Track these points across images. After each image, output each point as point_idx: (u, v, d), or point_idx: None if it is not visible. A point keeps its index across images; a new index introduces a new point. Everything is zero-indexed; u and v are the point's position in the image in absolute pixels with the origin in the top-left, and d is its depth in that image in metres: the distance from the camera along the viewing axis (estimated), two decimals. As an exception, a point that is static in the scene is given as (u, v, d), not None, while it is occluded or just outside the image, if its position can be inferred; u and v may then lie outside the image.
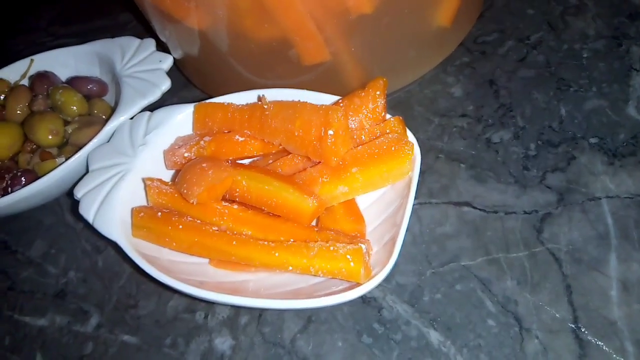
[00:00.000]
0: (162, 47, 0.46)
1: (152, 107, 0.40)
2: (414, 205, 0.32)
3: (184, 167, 0.34)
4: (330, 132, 0.31)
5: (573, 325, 0.29)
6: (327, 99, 0.36)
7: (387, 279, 0.32)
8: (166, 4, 0.38)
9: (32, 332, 0.37)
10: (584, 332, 0.29)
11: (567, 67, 0.41)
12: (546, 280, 0.31)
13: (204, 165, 0.33)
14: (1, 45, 0.66)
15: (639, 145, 0.35)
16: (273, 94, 0.36)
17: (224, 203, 0.33)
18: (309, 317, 0.33)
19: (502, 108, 0.40)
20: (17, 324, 0.38)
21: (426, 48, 0.42)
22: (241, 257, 0.30)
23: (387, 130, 0.33)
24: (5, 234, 0.44)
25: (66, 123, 0.43)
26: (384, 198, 0.34)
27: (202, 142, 0.36)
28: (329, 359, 0.31)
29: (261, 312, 0.34)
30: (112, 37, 0.48)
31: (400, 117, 0.34)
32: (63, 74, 0.48)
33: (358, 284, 0.28)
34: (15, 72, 0.48)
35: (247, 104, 0.36)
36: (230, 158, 0.36)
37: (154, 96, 0.42)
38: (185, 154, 0.36)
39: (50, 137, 0.42)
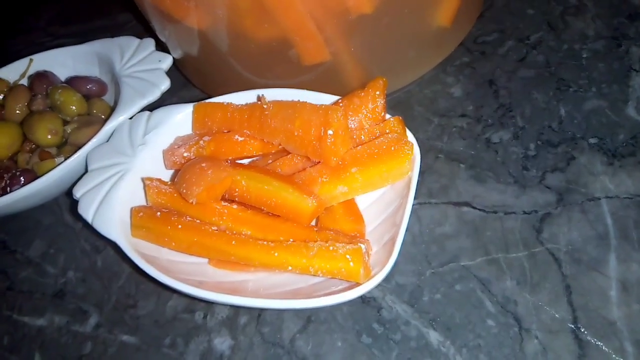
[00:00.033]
0: (161, 46, 0.46)
1: (151, 107, 0.40)
2: (413, 205, 0.32)
3: (183, 167, 0.34)
4: (330, 132, 0.31)
5: (572, 326, 0.29)
6: (327, 98, 0.36)
7: (387, 279, 0.32)
8: (166, 4, 0.38)
9: (31, 332, 0.37)
10: (584, 332, 0.29)
11: (566, 67, 0.41)
12: (546, 280, 0.31)
13: (204, 165, 0.33)
14: (0, 44, 0.66)
15: (638, 145, 0.35)
16: (273, 94, 0.36)
17: (223, 203, 0.33)
18: (308, 317, 0.33)
19: (502, 108, 0.40)
20: (15, 323, 0.38)
21: (426, 48, 0.42)
22: (240, 257, 0.30)
23: (387, 130, 0.33)
24: (4, 233, 0.44)
25: (65, 123, 0.43)
26: (383, 198, 0.34)
27: (201, 142, 0.36)
28: (328, 359, 0.31)
29: (260, 312, 0.34)
30: (112, 36, 0.48)
31: (400, 117, 0.34)
32: (62, 74, 0.48)
33: (357, 284, 0.28)
34: (15, 71, 0.48)
35: (246, 104, 0.36)
36: (230, 158, 0.36)
37: (154, 96, 0.42)
38: (185, 154, 0.36)
39: (49, 136, 0.42)
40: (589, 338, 0.28)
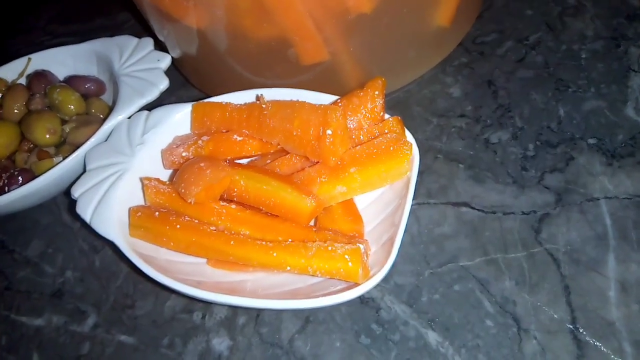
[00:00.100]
0: (160, 46, 0.46)
1: (150, 107, 0.40)
2: (412, 205, 0.32)
3: (182, 167, 0.34)
4: (329, 131, 0.30)
5: (571, 326, 0.29)
6: (326, 98, 0.36)
7: (385, 279, 0.32)
8: (164, 3, 0.38)
9: (29, 332, 0.37)
10: (582, 332, 0.29)
11: (565, 67, 0.41)
12: (544, 280, 0.31)
13: (202, 164, 0.33)
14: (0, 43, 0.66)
15: (637, 146, 0.35)
16: (271, 94, 0.36)
17: (221, 203, 0.33)
18: (307, 317, 0.33)
19: (501, 108, 0.40)
20: (13, 323, 0.38)
21: (425, 48, 0.42)
22: (239, 257, 0.30)
23: (386, 130, 0.33)
24: (2, 233, 0.44)
25: (64, 122, 0.43)
26: (382, 198, 0.34)
27: (200, 142, 0.36)
28: (326, 359, 0.31)
29: (259, 312, 0.34)
30: (110, 36, 0.48)
31: (399, 117, 0.34)
32: (61, 73, 0.48)
33: (356, 284, 0.28)
34: (13, 70, 0.48)
35: (245, 104, 0.36)
36: (228, 158, 0.36)
37: (152, 95, 0.41)
38: (183, 154, 0.36)
39: (47, 136, 0.42)
40: (587, 338, 0.28)
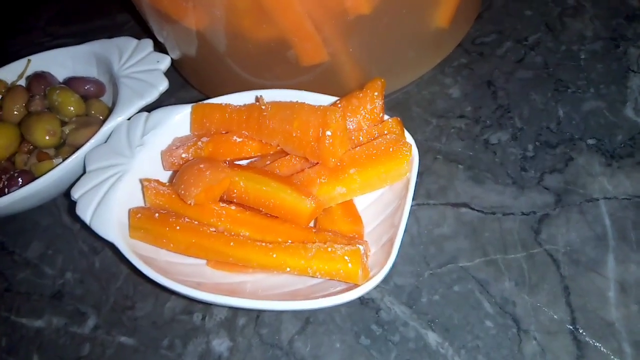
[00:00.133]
0: (159, 47, 0.46)
1: (149, 108, 0.40)
2: (411, 206, 0.32)
3: (182, 168, 0.34)
4: (328, 133, 0.31)
5: (571, 327, 0.29)
6: (325, 99, 0.36)
7: (385, 280, 0.32)
8: (164, 4, 0.38)
9: (29, 334, 0.37)
10: (582, 333, 0.29)
11: (565, 68, 0.41)
12: (544, 281, 0.31)
13: (202, 166, 0.33)
14: (-1, 45, 0.66)
15: (636, 146, 0.35)
16: (271, 95, 0.36)
17: (221, 204, 0.33)
18: (306, 318, 0.33)
19: (500, 109, 0.40)
20: (13, 325, 0.38)
21: (424, 49, 0.42)
22: (239, 258, 0.30)
23: (385, 131, 0.33)
24: (2, 234, 0.44)
25: (63, 124, 0.43)
26: (382, 199, 0.34)
27: (199, 143, 0.36)
28: (326, 360, 0.31)
29: (259, 313, 0.34)
30: (110, 37, 0.48)
31: (398, 118, 0.34)
32: (60, 75, 0.48)
33: (356, 285, 0.28)
34: (12, 72, 0.48)
35: (244, 105, 0.36)
36: (228, 159, 0.36)
37: (152, 97, 0.41)
38: (183, 155, 0.36)
39: (47, 137, 0.42)
40: (587, 339, 0.28)
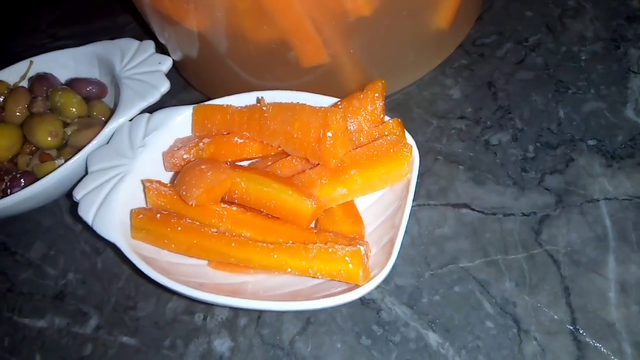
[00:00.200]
0: (161, 49, 0.46)
1: (151, 109, 0.40)
2: (412, 207, 0.32)
3: (183, 169, 0.34)
4: (329, 134, 0.31)
5: (571, 327, 0.29)
6: (326, 101, 0.36)
7: (386, 281, 0.33)
8: (165, 6, 0.38)
9: (31, 334, 0.37)
10: (582, 333, 0.29)
11: (565, 69, 0.41)
12: (544, 282, 0.31)
13: (203, 167, 0.33)
14: (1, 46, 0.66)
15: (637, 147, 0.35)
16: (272, 96, 0.36)
17: (222, 205, 0.33)
18: (307, 318, 0.33)
19: (501, 110, 0.40)
20: (16, 325, 0.38)
21: (425, 50, 0.42)
22: (240, 259, 0.30)
23: (386, 132, 0.33)
24: (5, 235, 0.44)
25: (65, 125, 0.43)
26: (382, 200, 0.34)
27: (201, 144, 0.36)
28: (327, 360, 0.31)
29: (260, 313, 0.34)
30: (112, 38, 0.48)
31: (399, 119, 0.34)
32: (62, 76, 0.48)
33: (357, 286, 0.28)
34: (15, 73, 0.48)
35: (246, 106, 0.36)
36: (229, 160, 0.36)
37: (153, 98, 0.42)
38: (184, 156, 0.36)
39: (49, 138, 0.42)
40: (587, 339, 0.28)
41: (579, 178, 0.35)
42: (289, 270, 0.29)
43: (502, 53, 0.44)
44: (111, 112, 0.44)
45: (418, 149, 0.33)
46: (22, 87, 0.47)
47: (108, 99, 0.47)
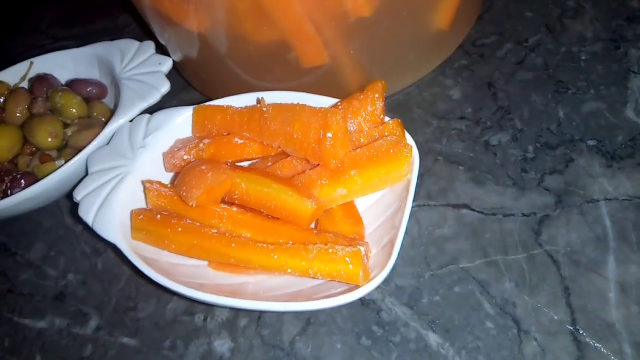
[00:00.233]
0: (161, 49, 0.46)
1: (151, 110, 0.40)
2: (412, 207, 0.32)
3: (183, 170, 0.34)
4: (329, 134, 0.31)
5: (571, 327, 0.29)
6: (326, 101, 0.36)
7: (386, 281, 0.33)
8: (165, 7, 0.39)
9: (31, 334, 0.37)
10: (582, 334, 0.29)
11: (565, 69, 0.41)
12: (544, 282, 0.31)
13: (203, 167, 0.33)
14: (1, 47, 0.66)
15: (636, 147, 0.35)
16: (272, 97, 0.36)
17: (223, 205, 0.33)
18: (307, 319, 0.33)
19: (501, 110, 0.40)
20: (16, 326, 0.38)
21: (425, 51, 0.42)
22: (240, 260, 0.31)
23: (386, 133, 0.33)
24: (5, 236, 0.44)
25: (65, 125, 0.43)
26: (382, 200, 0.34)
27: (201, 145, 0.36)
28: (327, 361, 0.31)
29: (260, 314, 0.34)
30: (112, 39, 0.48)
31: (399, 120, 0.34)
32: (62, 77, 0.48)
33: (357, 286, 0.28)
34: (15, 74, 0.48)
35: (246, 107, 0.36)
36: (229, 160, 0.36)
37: (154, 99, 0.42)
38: (185, 157, 0.36)
39: (49, 139, 0.42)
40: (587, 340, 0.28)
41: (579, 178, 0.35)
42: (289, 270, 0.29)
43: (502, 53, 0.44)
44: (111, 113, 0.44)
45: (418, 149, 0.33)
46: (22, 88, 0.47)
47: (108, 100, 0.47)
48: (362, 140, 0.34)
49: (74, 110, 0.44)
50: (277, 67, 0.39)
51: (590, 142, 0.36)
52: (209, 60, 0.42)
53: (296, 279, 0.31)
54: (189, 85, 0.50)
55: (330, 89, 0.37)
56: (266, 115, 0.34)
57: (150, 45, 0.46)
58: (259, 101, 0.36)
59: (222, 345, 0.33)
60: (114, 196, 0.34)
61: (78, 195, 0.35)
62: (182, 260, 0.33)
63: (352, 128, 0.34)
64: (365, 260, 0.29)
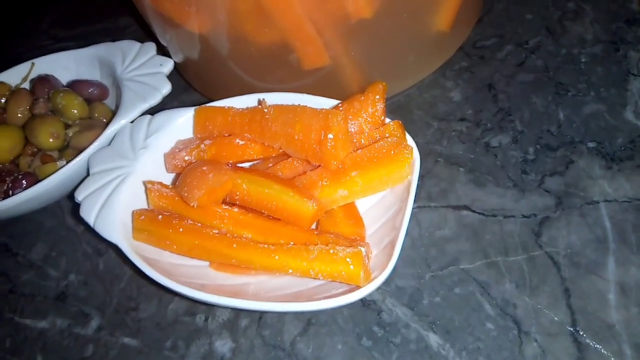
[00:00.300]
0: (162, 50, 0.46)
1: (152, 111, 0.40)
2: (413, 208, 0.32)
3: (185, 171, 0.34)
4: (330, 135, 0.31)
5: (571, 329, 0.29)
6: (327, 102, 0.36)
7: (387, 282, 0.33)
8: (167, 8, 0.39)
9: (32, 335, 0.37)
10: (583, 335, 0.29)
11: (565, 71, 0.41)
12: (545, 283, 0.31)
13: (205, 168, 0.33)
14: (2, 48, 0.66)
15: (636, 149, 0.35)
16: (273, 98, 0.36)
17: (224, 206, 0.33)
18: (308, 319, 0.33)
19: (501, 112, 0.40)
20: (17, 326, 0.38)
21: (425, 52, 0.42)
22: (241, 260, 0.31)
23: (387, 134, 0.34)
24: (6, 236, 0.44)
25: (67, 126, 0.44)
26: (383, 202, 0.34)
27: (202, 146, 0.36)
28: (328, 361, 0.31)
29: (261, 314, 0.34)
30: (113, 40, 0.48)
31: (400, 121, 0.34)
32: (64, 78, 0.48)
33: (358, 287, 0.28)
34: (16, 75, 0.49)
35: (247, 108, 0.36)
36: (231, 161, 0.36)
37: (155, 100, 0.42)
38: (186, 158, 0.36)
39: (51, 140, 0.42)
40: (587, 341, 0.29)
41: (579, 180, 0.35)
42: (290, 271, 0.30)
43: (502, 55, 0.44)
44: (112, 114, 0.44)
45: (419, 151, 0.33)
46: (24, 88, 0.47)
47: (109, 101, 0.47)
48: (362, 141, 0.34)
49: (75, 111, 0.44)
50: (278, 68, 0.40)
51: (590, 144, 0.36)
52: (210, 61, 0.42)
53: (297, 280, 0.31)
54: (190, 87, 0.50)
55: (331, 90, 0.38)
56: (267, 116, 0.34)
57: (151, 47, 0.46)
58: (260, 102, 0.37)
59: (223, 345, 0.33)
60: (116, 197, 0.34)
61: (79, 196, 0.35)
62: (184, 260, 0.33)
63: (353, 129, 0.34)
64: (366, 261, 0.29)
